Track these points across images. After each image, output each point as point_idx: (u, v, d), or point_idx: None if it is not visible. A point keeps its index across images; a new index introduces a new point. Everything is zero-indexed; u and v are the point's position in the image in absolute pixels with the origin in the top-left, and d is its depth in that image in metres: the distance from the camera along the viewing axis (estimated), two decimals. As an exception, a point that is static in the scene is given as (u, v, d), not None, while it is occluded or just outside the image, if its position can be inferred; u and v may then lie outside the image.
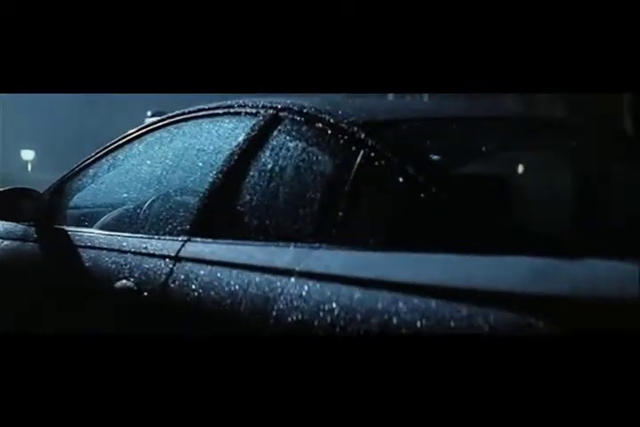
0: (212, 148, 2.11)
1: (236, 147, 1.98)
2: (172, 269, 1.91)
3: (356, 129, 1.74)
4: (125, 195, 2.44)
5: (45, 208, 2.60)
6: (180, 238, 1.97)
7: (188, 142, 2.24)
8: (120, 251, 2.14)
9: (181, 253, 1.92)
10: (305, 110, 1.90)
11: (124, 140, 2.47)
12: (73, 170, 2.59)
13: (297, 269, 1.60)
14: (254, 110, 2.04)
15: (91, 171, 2.55)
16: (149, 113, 13.58)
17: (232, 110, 2.12)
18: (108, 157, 2.50)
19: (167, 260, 1.95)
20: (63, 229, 2.49)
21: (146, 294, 1.95)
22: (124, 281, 2.04)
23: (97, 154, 2.54)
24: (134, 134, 2.45)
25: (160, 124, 2.38)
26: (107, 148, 2.52)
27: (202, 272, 1.82)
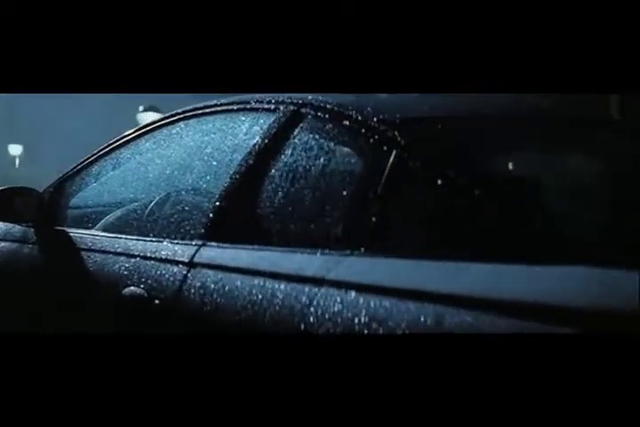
0: (227, 146, 1.98)
1: (253, 145, 1.86)
2: (186, 276, 1.78)
3: (386, 127, 1.62)
4: (132, 195, 2.32)
5: (45, 208, 2.47)
6: (193, 243, 1.84)
7: (200, 140, 2.11)
8: (127, 255, 2.01)
9: (196, 259, 1.79)
10: (329, 106, 1.77)
11: (130, 137, 2.34)
12: (74, 168, 2.46)
13: (327, 277, 1.48)
14: (273, 106, 1.91)
15: (93, 169, 2.42)
16: (141, 108, 13.46)
17: (248, 106, 1.99)
18: (113, 155, 2.37)
19: (180, 265, 1.82)
20: (64, 231, 2.36)
21: (157, 302, 1.83)
22: (133, 288, 1.91)
23: (100, 151, 2.41)
24: (140, 131, 2.32)
25: (169, 120, 2.26)
26: (111, 145, 2.39)
27: (220, 279, 1.69)
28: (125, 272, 1.97)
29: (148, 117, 12.92)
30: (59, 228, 2.39)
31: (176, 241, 1.91)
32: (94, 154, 2.42)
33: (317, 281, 1.48)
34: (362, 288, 1.42)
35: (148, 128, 2.31)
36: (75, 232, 2.32)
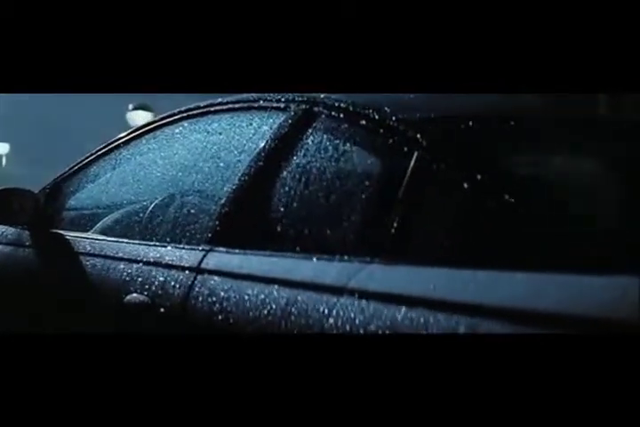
0: (234, 146, 1.89)
1: (263, 146, 1.77)
2: (193, 283, 1.70)
3: (406, 127, 1.54)
4: (132, 196, 2.22)
5: (41, 210, 2.37)
6: (200, 248, 1.75)
7: (204, 140, 2.02)
8: (129, 260, 1.92)
9: (204, 265, 1.70)
10: (343, 105, 1.69)
11: (130, 136, 2.25)
12: (71, 168, 2.36)
13: (348, 286, 1.39)
14: (283, 105, 1.83)
15: (92, 169, 2.32)
16: (131, 106, 13.32)
17: (256, 105, 1.90)
18: (112, 155, 2.28)
19: (187, 271, 1.73)
20: (61, 234, 2.26)
21: (162, 310, 1.74)
22: (136, 295, 1.82)
23: (99, 151, 2.32)
24: (141, 131, 2.23)
25: (171, 119, 2.16)
26: (110, 144, 2.30)
27: (230, 287, 1.61)
28: (127, 278, 1.88)
29: (138, 116, 12.79)
30: (55, 230, 2.30)
31: (181, 246, 1.82)
32: (92, 154, 2.33)
33: (337, 290, 1.40)
34: (386, 298, 1.34)
35: (148, 127, 2.22)
36: (72, 235, 2.23)
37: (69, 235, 2.24)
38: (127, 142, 2.25)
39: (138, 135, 2.24)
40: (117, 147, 2.27)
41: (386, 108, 1.62)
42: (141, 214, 2.11)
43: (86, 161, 2.33)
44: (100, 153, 2.31)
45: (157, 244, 1.89)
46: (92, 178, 2.32)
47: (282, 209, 1.66)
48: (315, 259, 1.52)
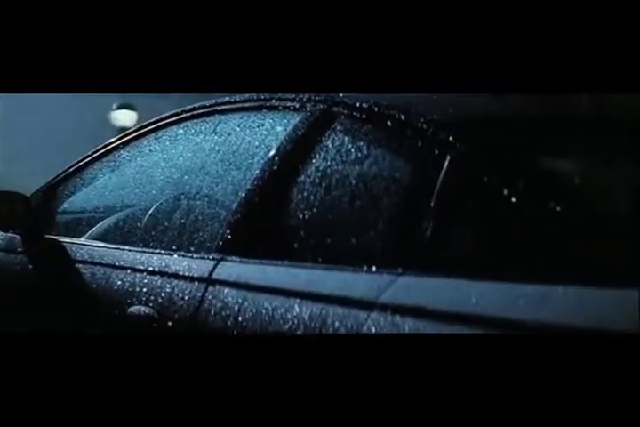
0: (245, 148, 1.78)
1: (277, 148, 1.66)
2: (204, 294, 1.58)
3: (437, 129, 1.44)
4: (133, 200, 2.09)
5: (33, 214, 2.24)
6: (211, 257, 1.64)
7: (212, 141, 1.90)
8: (131, 269, 1.80)
9: (216, 275, 1.58)
10: (365, 105, 1.58)
11: (130, 136, 2.13)
12: (66, 170, 2.24)
13: (379, 301, 1.28)
14: (297, 104, 1.72)
15: (89, 172, 2.20)
16: (115, 105, 13.12)
17: (268, 104, 1.79)
18: (110, 157, 2.15)
19: (197, 282, 1.61)
20: (56, 240, 2.14)
21: (170, 323, 1.62)
22: (140, 307, 1.70)
23: (96, 153, 2.20)
24: (142, 131, 2.11)
25: (175, 118, 2.04)
26: (108, 145, 2.18)
27: (245, 299, 1.49)
28: (130, 288, 1.76)
29: (121, 116, 12.62)
30: (49, 236, 2.17)
31: (189, 254, 1.70)
32: (89, 155, 2.21)
33: (367, 305, 1.29)
34: (421, 314, 1.24)
35: (149, 128, 2.10)
36: (68, 241, 2.10)
37: (65, 241, 2.12)
38: (126, 143, 2.13)
39: (138, 136, 2.12)
40: (116, 148, 2.15)
41: (412, 109, 1.52)
42: (142, 219, 1.99)
43: (82, 163, 2.21)
44: (97, 155, 2.18)
45: (162, 251, 1.77)
46: (89, 181, 2.20)
47: (301, 216, 1.54)
48: (339, 270, 1.41)
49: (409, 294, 1.28)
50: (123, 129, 12.72)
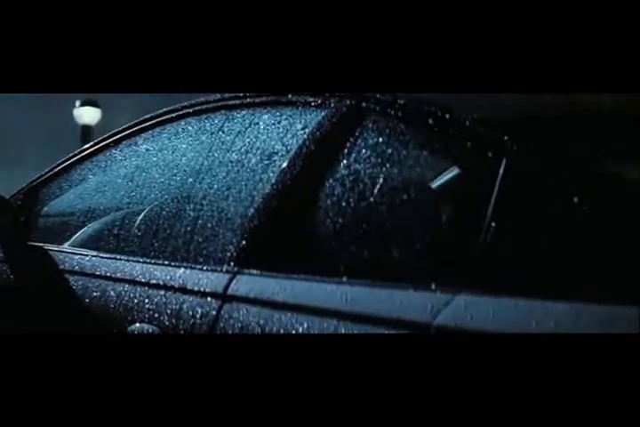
0: (259, 149, 1.60)
1: (298, 148, 1.48)
2: (219, 312, 1.40)
3: (487, 128, 1.28)
4: (127, 204, 1.90)
5: (12, 218, 2.05)
6: (224, 269, 1.46)
7: (220, 141, 1.72)
8: (130, 281, 1.62)
9: (232, 291, 1.41)
10: (401, 101, 1.42)
11: (122, 135, 1.94)
12: (50, 171, 2.04)
13: (435, 324, 1.12)
14: (319, 100, 1.55)
15: (75, 173, 2.01)
16: (78, 103, 12.79)
17: (284, 99, 1.62)
18: (100, 157, 1.97)
19: (209, 298, 1.43)
20: (41, 247, 1.95)
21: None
22: (143, 325, 1.52)
23: (83, 152, 2.00)
24: (135, 128, 1.92)
25: (174, 115, 1.86)
26: (97, 144, 1.99)
27: (269, 319, 1.32)
28: (130, 304, 1.58)
29: (85, 113, 12.32)
30: (33, 243, 1.98)
31: (199, 266, 1.52)
32: (75, 155, 2.01)
33: (421, 327, 1.13)
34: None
35: (144, 125, 1.91)
36: (55, 249, 1.91)
37: (51, 248, 1.93)
38: (118, 142, 1.95)
39: (131, 134, 1.93)
40: (106, 147, 1.96)
41: (454, 105, 1.36)
42: (138, 225, 1.80)
43: (68, 163, 2.01)
44: (85, 154, 1.99)
45: (166, 262, 1.59)
46: (77, 182, 2.01)
47: (331, 225, 1.37)
48: (379, 287, 1.24)
49: (468, 317, 1.12)
50: (86, 127, 12.46)
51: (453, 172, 1.32)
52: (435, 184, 1.32)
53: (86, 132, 12.32)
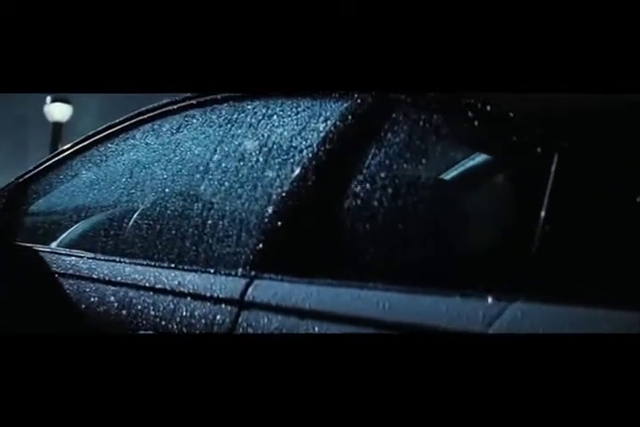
0: (275, 142, 1.48)
1: (322, 142, 1.36)
2: (236, 320, 1.29)
3: (535, 123, 1.18)
4: (125, 202, 1.77)
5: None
6: (240, 273, 1.34)
7: (230, 134, 1.59)
8: (134, 286, 1.49)
9: (250, 297, 1.29)
10: (434, 93, 1.31)
11: (118, 128, 1.81)
12: (38, 166, 1.91)
13: (490, 332, 1.02)
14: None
15: (67, 168, 1.87)
16: (49, 99, 12.52)
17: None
18: (94, 151, 1.83)
19: (224, 305, 1.31)
20: (28, 249, 1.81)
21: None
22: (148, 333, 1.40)
23: (76, 146, 1.87)
24: (134, 121, 1.79)
25: (176, 106, 1.73)
26: (90, 138, 1.85)
27: (294, 328, 1.20)
28: (133, 310, 1.45)
29: (56, 109, 12.08)
30: (20, 244, 1.84)
31: (211, 270, 1.40)
32: (67, 149, 1.88)
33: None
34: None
35: (143, 117, 1.78)
36: (45, 250, 1.78)
37: (39, 249, 1.79)
38: (114, 135, 1.82)
39: (129, 127, 1.80)
40: (101, 141, 1.83)
41: (495, 98, 1.26)
42: (138, 224, 1.67)
43: (59, 158, 1.88)
44: (77, 148, 1.86)
45: (172, 266, 1.47)
46: (67, 179, 1.87)
47: (359, 225, 1.26)
48: (420, 293, 1.13)
49: (522, 326, 1.01)
50: (57, 124, 12.23)
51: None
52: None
53: (57, 129, 12.10)
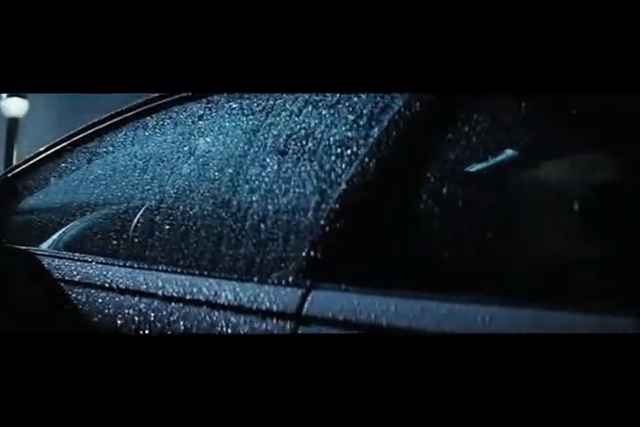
0: (323, 133, 1.34)
1: (381, 136, 1.24)
2: (294, 334, 1.16)
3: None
4: (124, 201, 1.62)
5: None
6: (293, 282, 1.21)
7: (266, 123, 1.44)
8: (154, 295, 1.34)
9: (308, 310, 1.16)
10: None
11: (116, 119, 1.66)
12: (26, 161, 1.74)
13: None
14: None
15: (56, 164, 1.71)
16: (5, 94, 11.94)
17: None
18: (89, 145, 1.68)
19: (276, 319, 1.18)
20: (17, 250, 1.64)
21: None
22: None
23: (68, 140, 1.70)
24: (134, 112, 1.64)
25: (176, 97, 1.59)
26: (84, 131, 1.69)
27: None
28: (158, 323, 1.31)
29: (12, 104, 11.58)
30: (7, 245, 1.67)
31: (255, 279, 1.26)
32: (57, 143, 1.71)
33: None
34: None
35: (144, 108, 1.63)
36: (37, 253, 1.61)
37: (30, 251, 1.63)
38: (112, 128, 1.66)
39: (128, 118, 1.65)
40: (97, 134, 1.67)
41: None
42: (148, 225, 1.52)
43: (49, 153, 1.71)
44: (70, 143, 1.69)
45: (205, 274, 1.32)
46: (59, 174, 1.70)
47: (435, 230, 1.15)
48: (496, 304, 1.02)
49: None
50: (13, 119, 11.73)
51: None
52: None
53: (13, 124, 11.63)
